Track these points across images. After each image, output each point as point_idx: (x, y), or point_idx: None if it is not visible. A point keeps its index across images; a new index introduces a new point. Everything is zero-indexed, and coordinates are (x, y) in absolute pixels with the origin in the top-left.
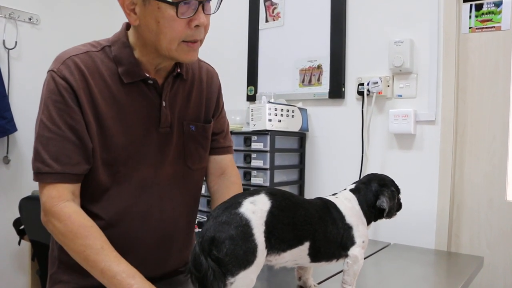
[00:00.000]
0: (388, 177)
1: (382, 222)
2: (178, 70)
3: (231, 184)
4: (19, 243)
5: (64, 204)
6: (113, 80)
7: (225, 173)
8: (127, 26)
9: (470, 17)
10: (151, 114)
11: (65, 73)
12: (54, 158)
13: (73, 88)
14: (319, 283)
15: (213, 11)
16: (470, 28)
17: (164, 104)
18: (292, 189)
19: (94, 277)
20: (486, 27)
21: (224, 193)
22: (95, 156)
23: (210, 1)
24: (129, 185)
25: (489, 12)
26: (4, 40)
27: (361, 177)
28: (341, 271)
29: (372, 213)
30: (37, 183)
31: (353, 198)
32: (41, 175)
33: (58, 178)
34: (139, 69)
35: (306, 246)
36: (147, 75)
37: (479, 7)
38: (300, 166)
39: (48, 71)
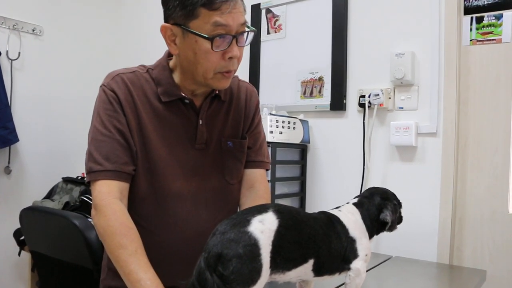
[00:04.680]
0: (390, 191)
1: (384, 235)
2: (217, 92)
3: (258, 197)
4: (19, 254)
5: (112, 201)
6: (154, 98)
7: (253, 186)
8: (169, 53)
9: (471, 29)
10: (188, 131)
11: (113, 86)
12: (105, 158)
13: (120, 99)
14: None
15: (245, 44)
16: (471, 40)
17: (200, 122)
18: (293, 201)
19: None
20: (487, 40)
21: (250, 206)
22: (138, 163)
23: (244, 34)
24: (165, 196)
25: (490, 25)
26: (7, 51)
27: (363, 191)
28: (342, 284)
29: (375, 226)
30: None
31: (356, 212)
32: (93, 173)
33: (109, 175)
34: (176, 89)
35: (310, 263)
36: (184, 94)
37: (479, 19)
38: (302, 178)
39: (100, 86)
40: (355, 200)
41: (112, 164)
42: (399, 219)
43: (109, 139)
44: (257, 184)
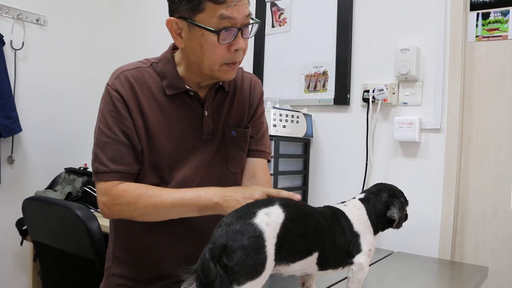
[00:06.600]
0: (398, 188)
1: (386, 230)
2: (221, 83)
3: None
4: (21, 244)
5: (119, 185)
6: (159, 92)
7: (255, 176)
8: (174, 46)
9: (476, 25)
10: (194, 122)
11: (117, 86)
12: (110, 159)
13: (124, 99)
14: None
15: (250, 35)
16: (476, 36)
17: (206, 113)
18: None
19: (142, 271)
20: (493, 36)
21: None
22: (144, 159)
23: (249, 26)
24: (170, 185)
25: (496, 21)
26: (11, 41)
27: (370, 187)
28: (345, 278)
29: (380, 223)
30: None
31: (361, 207)
32: (100, 174)
33: (114, 176)
34: (181, 82)
35: (315, 256)
36: (188, 87)
37: (486, 15)
38: (304, 172)
39: (105, 86)
40: (362, 196)
41: (118, 165)
42: (405, 217)
43: (114, 141)
44: (258, 174)
